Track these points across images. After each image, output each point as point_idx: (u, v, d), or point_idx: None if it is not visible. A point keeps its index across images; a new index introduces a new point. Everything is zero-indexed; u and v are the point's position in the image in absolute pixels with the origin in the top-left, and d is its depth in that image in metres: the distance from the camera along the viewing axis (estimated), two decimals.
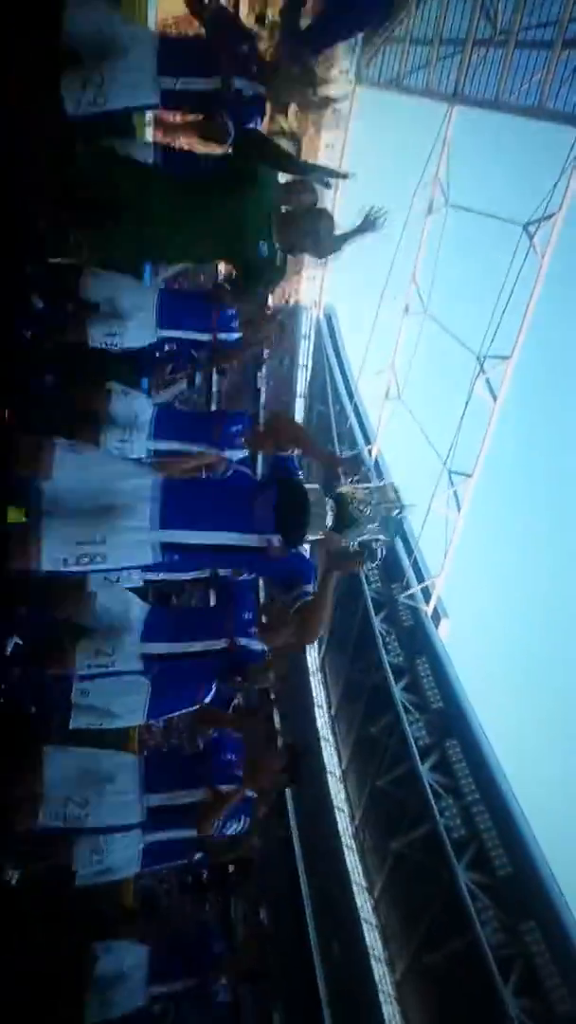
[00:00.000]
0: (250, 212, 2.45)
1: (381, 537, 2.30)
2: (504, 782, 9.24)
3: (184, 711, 3.05)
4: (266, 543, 2.25)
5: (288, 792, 11.91)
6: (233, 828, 2.99)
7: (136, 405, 3.24)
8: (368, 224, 2.72)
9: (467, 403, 10.90)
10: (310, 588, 2.47)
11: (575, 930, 7.81)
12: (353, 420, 14.88)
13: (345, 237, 2.63)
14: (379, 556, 2.36)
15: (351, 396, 15.09)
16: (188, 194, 2.46)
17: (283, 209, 2.58)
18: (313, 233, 2.58)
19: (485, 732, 9.85)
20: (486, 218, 11.49)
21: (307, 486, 2.27)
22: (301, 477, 2.47)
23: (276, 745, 3.26)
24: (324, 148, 12.92)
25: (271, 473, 2.62)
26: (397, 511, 2.31)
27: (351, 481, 2.46)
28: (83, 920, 3.68)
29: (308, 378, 16.80)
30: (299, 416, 17.38)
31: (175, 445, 3.28)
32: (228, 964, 3.82)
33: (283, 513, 2.21)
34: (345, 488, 2.30)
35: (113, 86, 2.64)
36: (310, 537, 2.26)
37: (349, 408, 15.01)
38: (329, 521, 2.22)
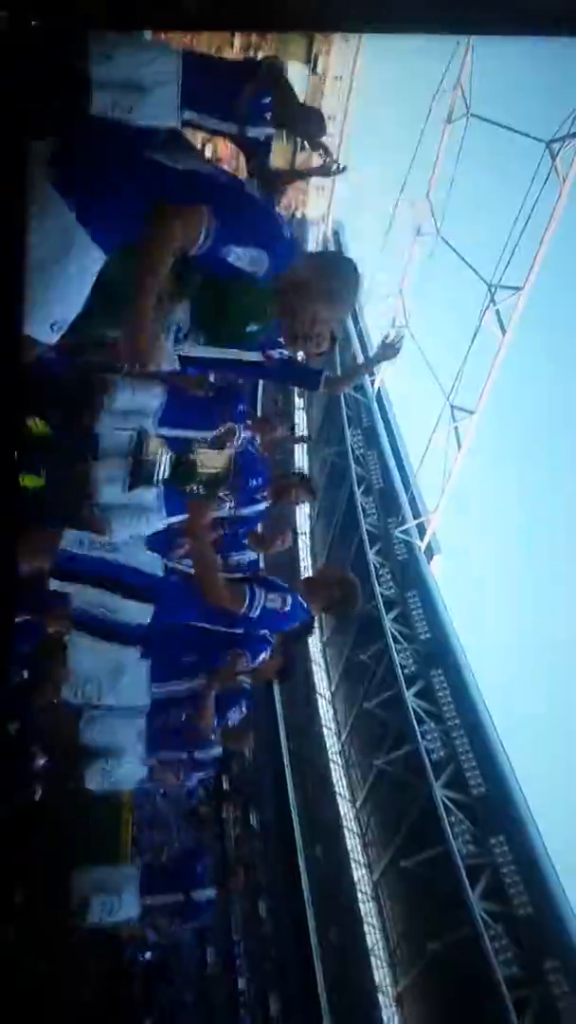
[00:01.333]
0: None
1: None
2: (484, 712, 9.69)
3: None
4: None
5: (279, 711, 12.50)
6: (235, 716, 3.19)
7: (144, 396, 2.91)
8: (388, 351, 2.94)
9: (475, 335, 10.57)
10: None
11: (540, 845, 8.46)
12: (357, 346, 14.48)
13: (360, 370, 2.55)
14: None
15: (356, 321, 14.61)
16: None
17: None
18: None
19: (469, 664, 10.23)
20: (507, 134, 10.73)
21: None
22: None
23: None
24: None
25: None
26: None
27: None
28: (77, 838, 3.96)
29: None
30: None
31: (180, 432, 3.13)
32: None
33: None
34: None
35: None
36: None
37: (353, 333, 14.55)
38: None
